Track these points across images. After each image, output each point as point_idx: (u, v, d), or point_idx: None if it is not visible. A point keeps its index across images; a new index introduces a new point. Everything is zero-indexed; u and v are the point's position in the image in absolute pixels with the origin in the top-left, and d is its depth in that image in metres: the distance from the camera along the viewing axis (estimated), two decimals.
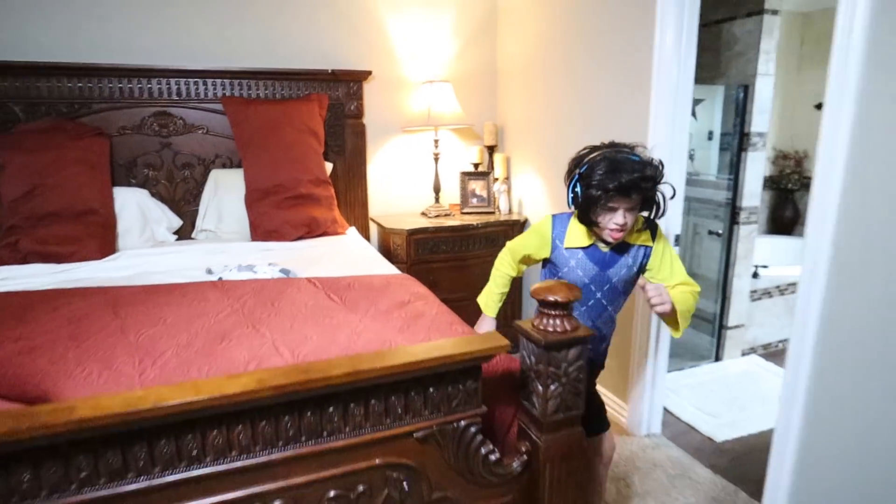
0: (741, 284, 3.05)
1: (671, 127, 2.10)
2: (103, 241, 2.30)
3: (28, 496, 0.88)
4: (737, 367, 3.02)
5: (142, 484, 0.94)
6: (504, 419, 1.33)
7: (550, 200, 2.90)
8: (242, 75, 2.76)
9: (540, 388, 1.21)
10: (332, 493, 1.09)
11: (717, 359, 3.13)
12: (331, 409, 1.05)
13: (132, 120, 2.61)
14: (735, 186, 3.00)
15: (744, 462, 2.18)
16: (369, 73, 3.03)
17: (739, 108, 2.98)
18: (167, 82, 2.64)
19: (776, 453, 1.70)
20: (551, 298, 1.17)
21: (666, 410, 2.52)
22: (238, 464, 1.00)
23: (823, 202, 1.51)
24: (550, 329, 1.18)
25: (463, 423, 1.17)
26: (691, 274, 1.63)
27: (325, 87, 2.93)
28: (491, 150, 3.28)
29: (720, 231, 3.06)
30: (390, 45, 3.11)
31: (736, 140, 3.01)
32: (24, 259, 2.12)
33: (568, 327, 1.18)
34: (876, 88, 1.38)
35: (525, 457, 1.25)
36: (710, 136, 3.61)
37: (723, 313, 3.10)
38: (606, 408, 1.71)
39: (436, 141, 3.09)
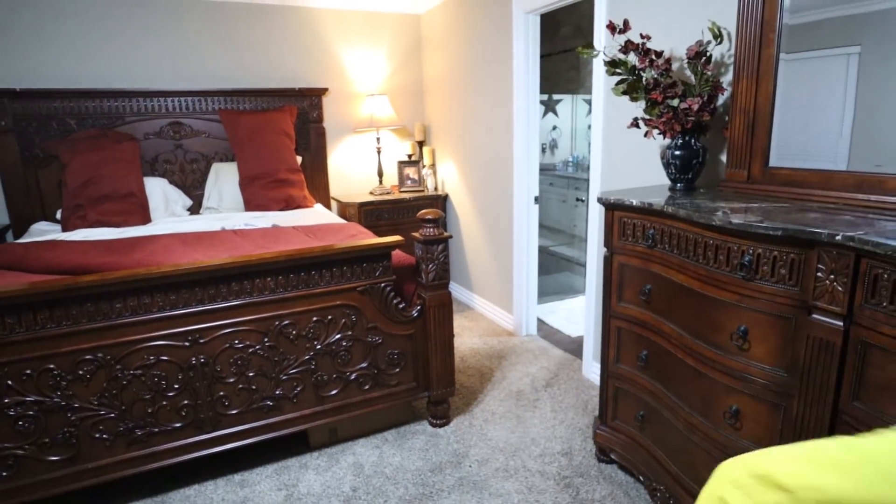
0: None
1: (526, 122, 3.21)
2: (142, 214, 3.26)
3: (126, 314, 1.90)
4: None
5: (219, 305, 1.97)
6: (409, 290, 2.40)
7: (462, 180, 3.99)
8: (233, 93, 3.75)
9: (424, 267, 2.29)
10: (314, 319, 2.14)
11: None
12: (313, 272, 2.10)
13: (154, 128, 3.58)
14: None
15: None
16: (326, 89, 4.06)
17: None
18: (179, 100, 3.61)
19: (586, 342, 2.84)
20: (428, 217, 2.25)
21: (543, 322, 3.66)
22: (262, 298, 2.04)
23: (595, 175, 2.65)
24: (428, 234, 2.26)
25: (383, 284, 2.24)
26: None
27: (294, 100, 3.94)
28: (420, 143, 4.35)
29: (583, 198, 4.22)
30: (342, 68, 4.15)
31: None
32: (91, 225, 3.07)
33: (437, 232, 2.27)
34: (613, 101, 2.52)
35: (419, 306, 2.33)
36: (589, 128, 4.81)
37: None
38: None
39: (378, 138, 4.15)
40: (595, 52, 2.03)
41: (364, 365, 2.26)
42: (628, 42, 1.96)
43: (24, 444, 1.82)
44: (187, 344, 1.96)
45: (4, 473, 1.81)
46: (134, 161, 3.37)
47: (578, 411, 2.58)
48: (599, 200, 1.94)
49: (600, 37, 2.50)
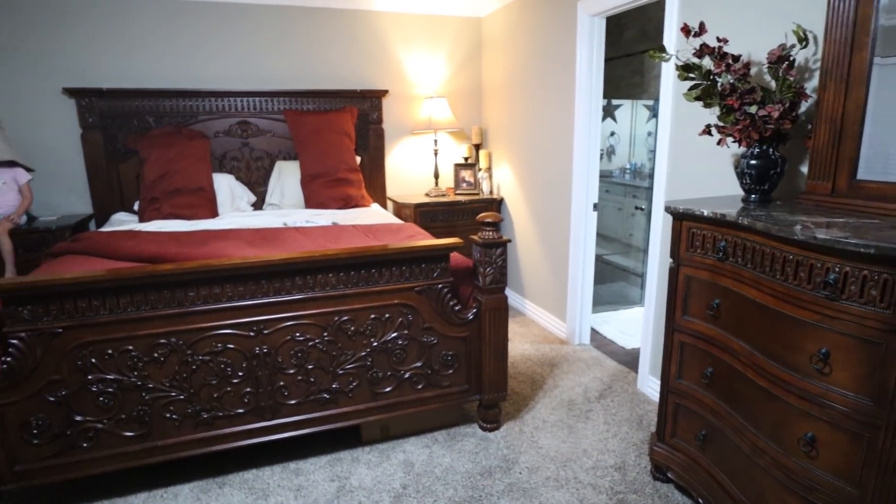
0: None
1: (587, 128, 3.15)
2: (210, 208, 3.42)
3: (198, 303, 1.98)
4: None
5: (283, 298, 2.04)
6: (466, 292, 2.40)
7: (518, 184, 3.96)
8: (298, 94, 3.88)
9: (481, 270, 2.29)
10: (372, 316, 2.18)
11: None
12: (373, 270, 2.14)
13: (223, 126, 3.74)
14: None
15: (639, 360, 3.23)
16: (386, 91, 4.13)
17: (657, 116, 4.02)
18: (247, 100, 3.77)
19: (643, 354, 2.76)
20: (487, 220, 2.25)
21: (597, 332, 3.59)
22: (324, 294, 2.09)
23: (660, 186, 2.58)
24: (487, 237, 2.26)
25: (440, 285, 2.25)
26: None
27: (355, 101, 4.03)
28: (477, 146, 4.36)
29: (643, 206, 4.11)
30: (402, 70, 4.21)
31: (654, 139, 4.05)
32: (165, 217, 3.25)
33: (496, 235, 2.26)
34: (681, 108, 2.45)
35: (475, 309, 2.33)
36: (649, 134, 4.69)
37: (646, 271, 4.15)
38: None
39: (435, 140, 4.19)
40: (667, 56, 1.97)
41: (418, 364, 2.28)
42: (703, 45, 1.89)
43: (104, 419, 1.94)
44: (252, 334, 2.03)
45: (85, 445, 1.94)
46: (205, 158, 3.53)
47: (633, 426, 2.51)
48: (667, 210, 1.89)
49: (671, 40, 2.43)
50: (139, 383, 1.95)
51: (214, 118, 3.73)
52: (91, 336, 1.87)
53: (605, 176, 5.21)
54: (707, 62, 1.94)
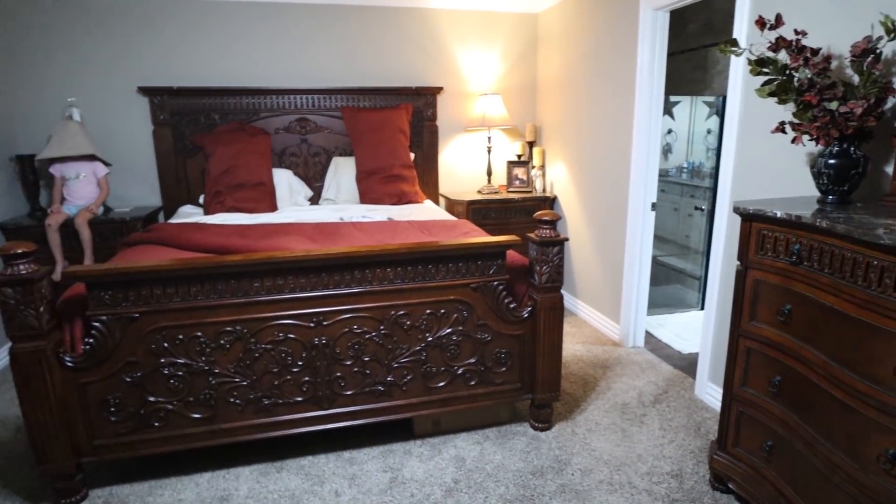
0: None
1: (647, 125, 3.07)
2: (270, 203, 3.54)
3: (262, 293, 2.04)
4: None
5: (342, 291, 2.08)
6: (521, 290, 2.39)
7: (573, 182, 3.90)
8: (355, 92, 3.95)
9: (538, 268, 2.27)
10: (427, 311, 2.20)
11: (702, 308, 4.02)
12: (429, 266, 2.16)
13: (283, 123, 3.86)
14: (717, 174, 3.89)
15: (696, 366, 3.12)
16: (441, 88, 4.15)
17: (720, 113, 3.87)
18: (306, 98, 3.87)
19: (701, 360, 2.67)
20: (545, 218, 2.23)
21: (651, 335, 3.49)
22: (381, 288, 2.12)
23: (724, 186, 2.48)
24: (544, 235, 2.24)
25: (496, 283, 2.25)
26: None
27: (410, 98, 4.08)
28: (531, 144, 4.32)
29: (703, 207, 3.96)
30: (457, 67, 4.22)
31: (718, 138, 3.90)
32: (228, 210, 3.38)
33: (553, 234, 2.24)
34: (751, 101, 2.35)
35: (530, 307, 2.32)
36: (709, 132, 4.51)
37: (706, 273, 4.00)
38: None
39: (489, 138, 4.18)
40: (740, 51, 1.89)
41: (472, 361, 2.29)
42: (780, 39, 1.81)
43: (174, 401, 2.04)
44: (312, 325, 2.09)
45: (157, 424, 2.05)
46: (266, 153, 3.65)
47: (690, 433, 2.44)
48: (736, 210, 1.81)
49: (742, 33, 2.33)
50: (206, 368, 2.05)
51: (275, 115, 3.85)
52: (164, 322, 1.97)
53: (660, 175, 5.04)
54: (783, 56, 1.85)
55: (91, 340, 1.94)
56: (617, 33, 3.24)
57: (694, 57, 4.69)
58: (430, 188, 4.21)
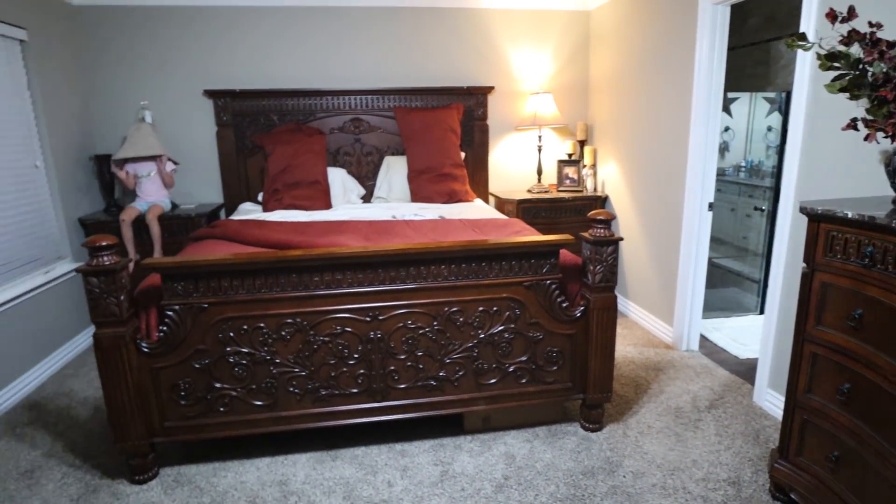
0: None
1: (705, 123, 2.99)
2: (325, 200, 3.65)
3: (321, 287, 2.11)
4: None
5: (398, 287, 2.14)
6: (573, 289, 2.38)
7: (625, 182, 3.84)
8: (407, 92, 4.02)
9: (591, 268, 2.26)
10: (480, 308, 2.23)
11: (762, 312, 3.88)
12: (483, 264, 2.19)
13: (338, 123, 3.98)
14: (779, 172, 3.74)
15: (755, 371, 3.02)
16: (492, 87, 4.17)
17: (782, 109, 3.72)
18: (360, 98, 3.97)
19: (761, 365, 2.59)
20: (599, 217, 2.22)
21: (706, 339, 3.40)
22: (435, 284, 2.16)
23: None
24: (598, 234, 2.23)
25: (548, 281, 2.25)
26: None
27: (461, 98, 4.11)
28: (582, 143, 4.27)
29: (764, 207, 3.82)
30: (508, 66, 4.22)
31: (780, 135, 3.75)
32: (286, 207, 3.51)
33: (607, 233, 2.22)
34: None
35: (582, 307, 2.31)
36: (769, 129, 4.34)
37: (767, 276, 3.85)
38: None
39: (539, 136, 4.16)
40: (808, 45, 1.82)
41: (523, 359, 2.30)
42: (852, 32, 1.73)
43: (238, 388, 2.15)
44: (368, 319, 2.16)
45: (222, 409, 2.16)
46: (321, 153, 3.77)
47: (748, 440, 2.36)
48: (803, 210, 1.75)
49: (810, 26, 2.24)
50: (268, 358, 2.15)
51: (330, 115, 3.97)
52: (231, 312, 2.08)
53: (717, 174, 4.90)
54: (855, 50, 1.77)
55: (164, 328, 2.07)
56: (674, 29, 3.17)
57: (755, 52, 4.52)
58: (480, 187, 4.24)
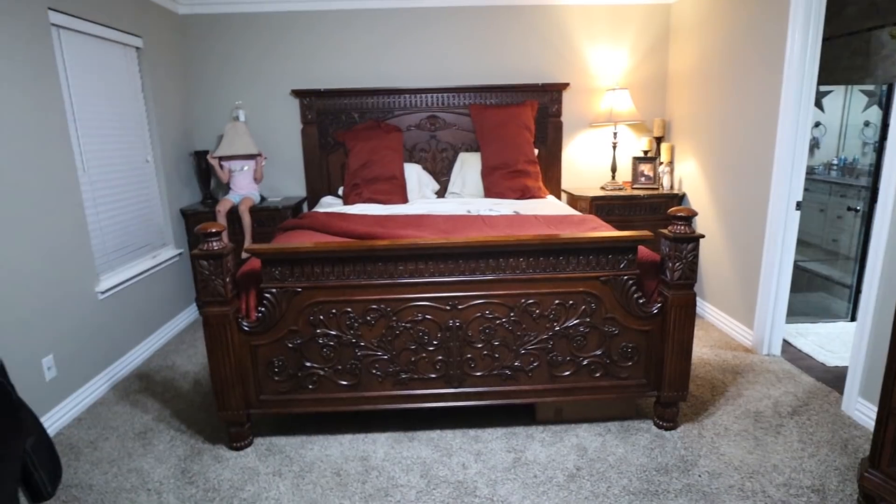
0: None
1: (795, 118, 2.87)
2: (402, 195, 3.80)
3: (405, 276, 2.21)
4: None
5: (477, 278, 2.22)
6: (650, 286, 2.38)
7: (704, 179, 3.74)
8: (482, 89, 4.10)
9: (670, 265, 2.25)
10: (556, 301, 2.28)
11: (853, 319, 3.67)
12: (560, 257, 2.23)
13: (414, 121, 4.12)
14: (877, 170, 3.52)
15: (844, 379, 2.87)
16: (567, 84, 4.17)
17: (883, 103, 3.48)
18: (436, 96, 4.09)
19: (851, 373, 2.47)
20: (680, 214, 2.21)
21: (790, 344, 3.26)
22: (513, 276, 2.23)
23: None
24: (679, 231, 2.21)
25: (625, 277, 2.26)
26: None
27: (536, 95, 4.14)
28: (659, 139, 4.19)
29: (858, 207, 3.59)
30: (584, 63, 4.20)
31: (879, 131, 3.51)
32: (365, 201, 3.69)
33: (688, 230, 2.21)
34: None
35: (660, 304, 2.30)
36: (866, 125, 4.07)
37: (860, 281, 3.63)
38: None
39: (615, 133, 4.12)
40: None
41: (598, 353, 2.33)
42: None
43: (325, 367, 2.32)
44: (448, 308, 2.26)
45: (310, 387, 2.34)
46: (398, 149, 3.92)
47: (835, 449, 2.27)
48: None
49: None
50: (354, 341, 2.30)
51: (407, 113, 4.11)
52: (321, 297, 2.25)
53: (806, 173, 4.65)
54: None
55: (262, 309, 2.26)
56: (762, 20, 3.05)
57: (853, 42, 4.25)
58: (553, 184, 4.25)
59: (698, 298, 3.86)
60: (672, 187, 4.09)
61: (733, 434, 2.39)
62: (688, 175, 3.95)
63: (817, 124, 5.02)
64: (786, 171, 2.93)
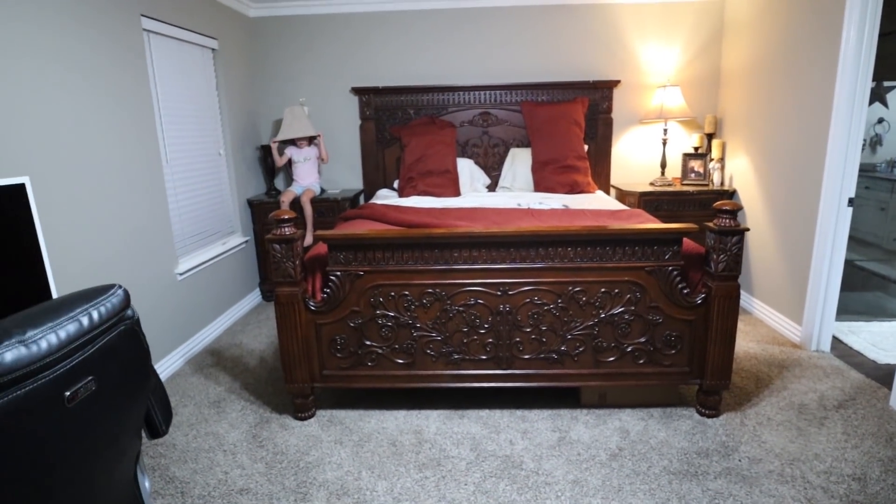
0: None
1: (849, 114, 2.85)
2: (454, 188, 3.97)
3: (459, 262, 2.36)
4: None
5: (527, 265, 2.36)
6: (695, 277, 2.45)
7: (755, 176, 3.73)
8: (534, 87, 4.22)
9: (714, 257, 2.33)
10: (602, 290, 2.39)
11: None
12: (607, 248, 2.34)
13: (467, 117, 4.28)
14: None
15: (894, 376, 2.86)
16: (618, 81, 4.23)
17: None
18: (489, 93, 4.23)
19: None
20: (725, 208, 2.28)
21: (840, 341, 3.24)
22: (561, 265, 2.36)
23: None
24: (723, 224, 2.29)
25: (670, 268, 2.35)
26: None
27: (586, 92, 4.22)
28: (710, 136, 4.19)
29: None
30: (635, 60, 4.25)
31: None
32: (419, 194, 3.88)
33: (733, 223, 2.28)
34: None
35: (703, 295, 2.38)
36: None
37: None
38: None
39: (664, 129, 4.15)
40: None
41: (641, 340, 2.43)
42: None
43: (383, 346, 2.52)
44: (499, 293, 2.41)
45: (370, 364, 2.54)
46: (451, 144, 4.08)
47: (880, 441, 2.30)
48: None
49: None
50: (410, 322, 2.48)
51: (461, 109, 4.27)
52: (381, 280, 2.44)
53: (865, 169, 4.54)
54: None
55: (327, 290, 2.47)
56: (816, 14, 3.04)
57: None
58: (602, 179, 4.32)
59: (747, 294, 3.86)
60: (722, 183, 4.09)
61: (776, 424, 2.45)
62: (739, 171, 3.94)
63: (880, 120, 4.88)
64: (838, 168, 2.92)
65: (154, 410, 1.38)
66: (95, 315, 0.91)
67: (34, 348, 0.78)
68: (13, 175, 2.10)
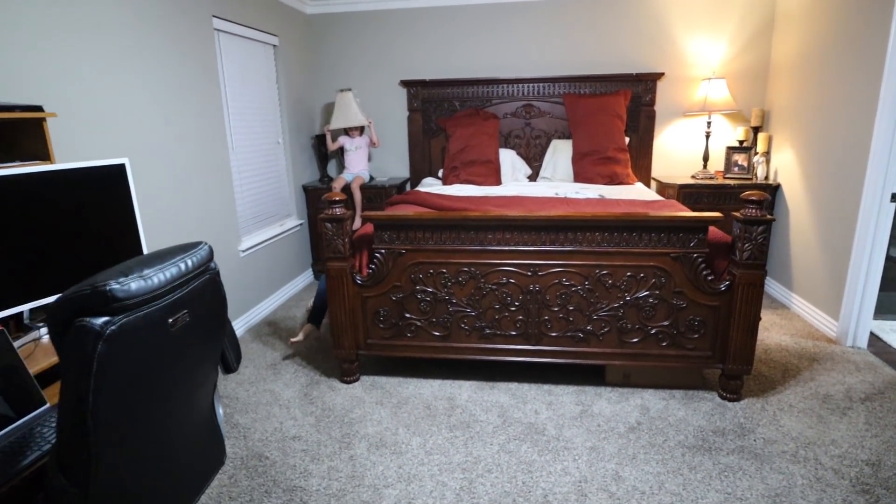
0: None
1: (893, 106, 2.83)
2: (496, 178, 4.14)
3: (493, 244, 2.54)
4: None
5: (556, 248, 2.52)
6: (721, 265, 2.55)
7: (800, 170, 3.71)
8: (576, 79, 4.32)
9: (740, 245, 2.42)
10: (628, 274, 2.52)
11: None
12: (634, 234, 2.47)
13: (510, 109, 4.43)
14: None
15: None
16: (662, 74, 4.27)
17: None
18: (532, 86, 4.37)
19: None
20: (752, 198, 2.36)
21: (878, 338, 3.22)
22: (590, 249, 2.50)
23: None
24: (749, 214, 2.37)
25: (695, 255, 2.46)
26: None
27: (629, 84, 4.29)
28: (756, 129, 4.17)
29: None
30: (681, 52, 4.27)
31: None
32: (462, 182, 4.08)
33: (759, 213, 2.36)
34: None
35: (728, 282, 2.47)
36: None
37: None
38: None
39: (708, 122, 4.17)
40: None
41: (665, 323, 2.55)
42: None
43: (421, 319, 2.75)
44: (529, 274, 2.59)
45: (408, 335, 2.78)
46: (494, 135, 4.26)
47: None
48: None
49: None
50: (446, 298, 2.69)
51: (504, 102, 4.44)
52: (421, 258, 2.66)
53: None
54: None
55: (373, 266, 2.72)
56: (868, 7, 3.02)
57: None
58: (643, 171, 4.39)
59: (786, 290, 3.86)
60: (767, 178, 4.07)
61: (797, 411, 2.52)
62: (784, 166, 3.93)
63: None
64: (881, 162, 2.91)
65: (227, 351, 1.65)
66: (190, 262, 1.16)
67: (150, 282, 1.04)
68: (116, 157, 2.46)
